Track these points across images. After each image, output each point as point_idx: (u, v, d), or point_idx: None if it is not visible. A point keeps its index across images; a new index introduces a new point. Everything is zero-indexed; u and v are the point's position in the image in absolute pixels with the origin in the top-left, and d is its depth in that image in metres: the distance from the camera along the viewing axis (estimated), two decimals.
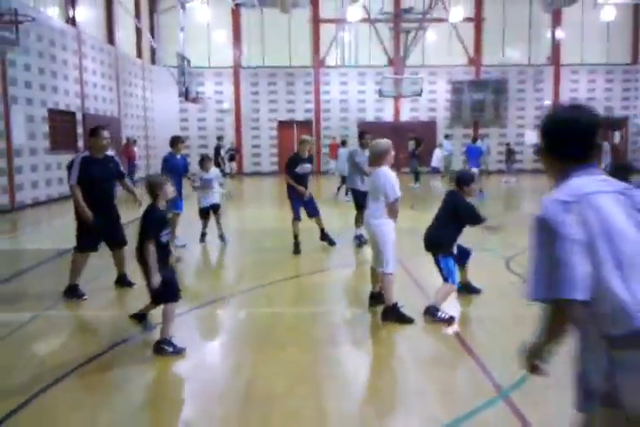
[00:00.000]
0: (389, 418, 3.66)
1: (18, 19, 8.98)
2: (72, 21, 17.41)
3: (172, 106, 25.21)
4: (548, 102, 25.93)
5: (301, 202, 8.49)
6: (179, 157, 8.77)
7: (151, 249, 4.44)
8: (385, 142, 5.40)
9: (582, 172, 2.02)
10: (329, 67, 25.85)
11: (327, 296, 6.47)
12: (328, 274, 7.43)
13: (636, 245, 1.89)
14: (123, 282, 6.48)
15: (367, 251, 8.77)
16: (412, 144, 19.63)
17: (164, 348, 4.53)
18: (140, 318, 5.04)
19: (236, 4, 24.77)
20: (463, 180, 5.68)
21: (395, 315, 5.27)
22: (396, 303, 5.32)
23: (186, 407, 3.82)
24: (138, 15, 23.02)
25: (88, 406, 3.74)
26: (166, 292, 4.57)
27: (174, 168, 8.37)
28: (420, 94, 23.01)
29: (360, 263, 8.05)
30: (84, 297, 6.04)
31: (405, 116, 25.99)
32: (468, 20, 24.57)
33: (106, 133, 6.08)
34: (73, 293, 6.05)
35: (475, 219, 5.53)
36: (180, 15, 20.14)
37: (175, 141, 8.73)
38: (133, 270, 5.71)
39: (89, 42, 18.55)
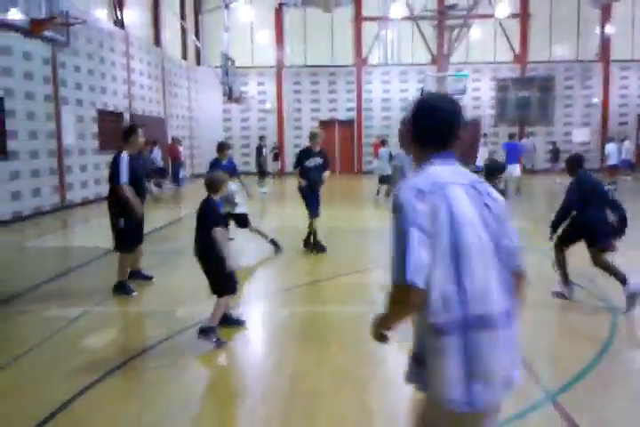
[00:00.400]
0: None
1: (69, 21, 9.19)
2: (120, 23, 17.83)
3: (216, 106, 25.56)
4: (596, 100, 25.23)
5: (313, 198, 8.44)
6: (224, 162, 8.65)
7: (222, 233, 4.57)
8: None
9: (442, 160, 2.09)
10: (371, 65, 25.75)
11: (369, 295, 6.45)
12: (369, 273, 7.40)
13: (477, 238, 1.95)
14: (138, 277, 6.67)
15: None
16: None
17: (210, 334, 4.65)
18: (231, 321, 5.14)
19: (280, 4, 24.95)
20: (489, 170, 5.68)
21: None
22: None
23: (229, 405, 3.87)
24: (183, 16, 23.42)
25: (136, 401, 3.82)
26: (227, 284, 4.69)
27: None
28: (463, 92, 22.68)
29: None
30: (134, 293, 6.18)
31: None
32: (514, 15, 24.10)
33: (141, 131, 6.25)
34: (123, 289, 6.20)
35: None
36: (224, 15, 20.39)
37: (222, 148, 8.65)
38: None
39: (136, 43, 18.97)
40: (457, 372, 1.92)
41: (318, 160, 8.48)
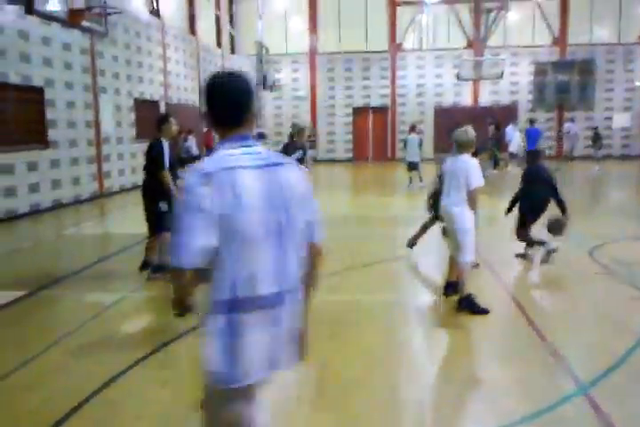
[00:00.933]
0: (463, 408, 3.64)
1: (106, 11, 9.34)
2: (156, 13, 18.00)
3: None
4: (638, 84, 24.43)
5: None
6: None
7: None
8: (471, 132, 5.32)
9: (234, 142, 2.05)
10: (406, 51, 25.44)
11: (401, 284, 6.47)
12: (402, 262, 7.40)
13: (264, 221, 1.99)
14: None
15: (441, 239, 8.67)
16: (492, 129, 19.03)
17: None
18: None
19: None
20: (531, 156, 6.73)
21: (469, 305, 5.21)
22: (471, 294, 5.25)
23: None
24: (218, 5, 23.49)
25: (169, 387, 3.93)
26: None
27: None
28: (501, 77, 22.24)
29: (427, 253, 7.96)
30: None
31: (485, 99, 25.23)
32: None
33: (174, 120, 6.43)
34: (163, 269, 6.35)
35: None
36: (258, 3, 20.38)
37: (301, 131, 8.76)
38: None
39: (172, 32, 19.14)
40: (221, 349, 2.01)
41: (300, 153, 8.47)
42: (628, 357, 4.17)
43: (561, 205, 6.82)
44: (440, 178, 6.13)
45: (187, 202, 1.95)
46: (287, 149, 8.36)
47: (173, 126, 6.43)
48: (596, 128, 21.79)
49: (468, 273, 5.28)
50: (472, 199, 5.12)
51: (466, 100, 25.32)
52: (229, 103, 2.06)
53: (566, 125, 22.35)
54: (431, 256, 7.74)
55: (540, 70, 24.69)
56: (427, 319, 5.31)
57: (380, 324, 5.08)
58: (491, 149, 17.94)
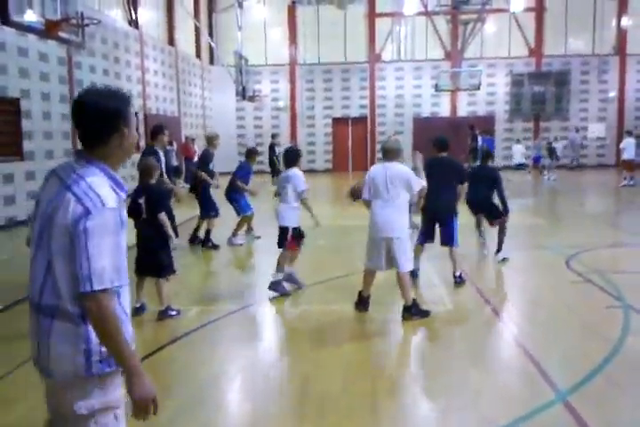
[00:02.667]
0: (445, 418, 3.65)
1: (84, 22, 9.28)
2: (135, 23, 17.96)
3: (230, 104, 25.63)
4: (613, 94, 24.93)
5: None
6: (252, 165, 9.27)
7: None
8: (399, 142, 5.94)
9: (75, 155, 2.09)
10: (384, 62, 25.67)
11: (381, 294, 6.46)
12: (380, 273, 7.40)
13: (38, 220, 2.03)
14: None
15: (428, 247, 8.72)
16: (469, 140, 19.33)
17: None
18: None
19: (293, 2, 24.95)
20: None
21: (417, 312, 5.30)
22: (415, 299, 5.40)
23: (241, 403, 3.92)
24: (197, 15, 23.50)
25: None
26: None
27: (246, 176, 8.98)
28: (478, 88, 22.52)
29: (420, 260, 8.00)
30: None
31: (463, 110, 25.52)
32: (529, 9, 23.91)
33: (167, 131, 7.13)
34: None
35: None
36: (237, 14, 20.44)
37: (252, 153, 9.17)
38: None
39: (150, 43, 19.10)
40: None
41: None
42: (605, 364, 4.22)
43: (504, 203, 7.49)
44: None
45: None
46: (202, 158, 9.16)
47: (165, 137, 6.83)
48: (550, 142, 21.84)
49: (409, 281, 5.43)
50: (419, 201, 5.68)
51: (444, 110, 25.60)
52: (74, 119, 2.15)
53: (570, 135, 22.82)
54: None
55: (517, 81, 25.10)
56: (407, 329, 5.31)
57: (361, 334, 5.08)
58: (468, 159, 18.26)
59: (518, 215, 12.20)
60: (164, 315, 5.36)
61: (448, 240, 6.48)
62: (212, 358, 4.63)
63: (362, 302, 5.59)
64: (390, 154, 5.49)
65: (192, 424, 3.52)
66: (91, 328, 1.94)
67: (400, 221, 5.30)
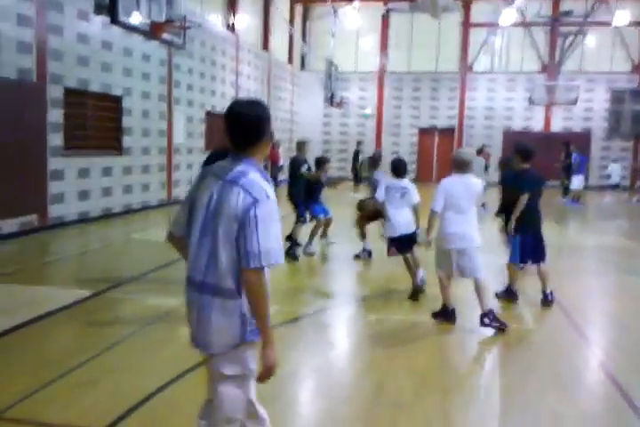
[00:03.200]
0: None
1: (186, 25, 9.69)
2: (232, 28, 18.56)
3: (317, 110, 25.95)
4: None
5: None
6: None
7: None
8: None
9: (230, 158, 2.44)
10: (476, 72, 25.17)
11: (460, 307, 6.30)
12: (462, 284, 7.23)
13: (201, 214, 2.39)
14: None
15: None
16: (562, 156, 18.62)
17: None
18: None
19: (387, 10, 24.98)
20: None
21: (494, 320, 5.25)
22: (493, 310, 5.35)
23: (312, 406, 3.92)
24: (292, 22, 24.00)
25: None
26: None
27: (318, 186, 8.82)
28: (575, 103, 21.66)
29: (497, 275, 7.76)
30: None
31: (557, 125, 24.57)
32: (634, 23, 22.72)
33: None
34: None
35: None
36: (331, 21, 20.68)
37: (322, 164, 8.67)
38: None
39: (246, 47, 19.66)
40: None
41: (306, 167, 8.63)
42: None
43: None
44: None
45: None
46: (293, 164, 8.63)
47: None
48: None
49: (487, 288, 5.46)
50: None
51: (537, 124, 24.74)
52: (229, 129, 2.47)
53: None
54: (492, 279, 7.55)
55: (617, 98, 23.88)
56: (484, 342, 5.15)
57: (436, 345, 4.97)
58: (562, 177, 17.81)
59: (611, 237, 11.59)
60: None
61: (543, 256, 6.23)
62: (284, 359, 4.66)
63: (446, 315, 5.53)
64: (464, 166, 5.43)
65: None
66: (245, 302, 2.34)
67: (475, 232, 5.43)
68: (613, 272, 8.24)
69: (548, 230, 8.27)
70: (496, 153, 24.69)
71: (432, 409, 3.73)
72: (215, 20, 17.61)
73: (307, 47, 24.67)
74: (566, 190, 18.01)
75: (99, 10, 8.15)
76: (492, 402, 3.98)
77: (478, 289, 5.36)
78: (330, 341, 5.25)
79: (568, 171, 17.93)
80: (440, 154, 25.61)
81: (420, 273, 6.56)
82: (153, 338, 4.95)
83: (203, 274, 2.37)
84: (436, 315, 5.58)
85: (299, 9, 25.19)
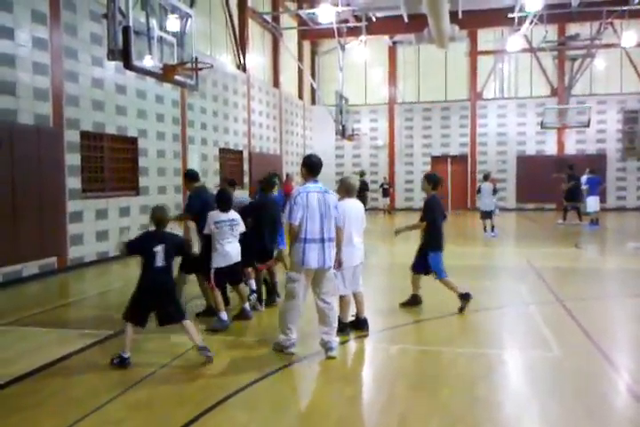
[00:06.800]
0: None
1: (198, 66, 9.90)
2: (243, 67, 18.97)
3: (329, 143, 26.22)
4: None
5: None
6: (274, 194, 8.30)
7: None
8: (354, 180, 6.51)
9: (311, 182, 5.46)
10: (486, 99, 25.34)
11: (483, 337, 6.20)
12: (483, 314, 7.13)
13: (317, 211, 5.28)
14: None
15: (523, 290, 8.32)
16: (565, 179, 18.64)
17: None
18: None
19: (394, 42, 25.41)
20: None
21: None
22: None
23: None
24: (301, 58, 24.49)
25: (254, 423, 3.89)
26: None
27: None
28: (587, 125, 21.62)
29: (517, 304, 7.64)
30: None
31: (571, 148, 24.51)
32: None
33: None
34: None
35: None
36: (339, 56, 21.07)
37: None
38: None
39: (257, 85, 20.05)
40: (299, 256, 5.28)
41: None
42: None
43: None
44: None
45: (295, 201, 5.28)
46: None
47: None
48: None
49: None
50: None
51: (550, 148, 24.71)
52: (312, 166, 5.55)
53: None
54: (511, 308, 7.43)
55: (630, 118, 23.86)
56: (513, 374, 5.03)
57: (461, 377, 4.86)
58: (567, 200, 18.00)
59: (631, 259, 11.40)
60: (203, 351, 5.18)
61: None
62: (308, 392, 4.61)
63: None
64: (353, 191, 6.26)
65: None
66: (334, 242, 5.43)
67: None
68: (636, 296, 8.07)
69: (570, 255, 8.20)
70: (511, 177, 24.71)
71: None
72: (225, 59, 18.03)
73: (316, 82, 25.08)
74: (566, 213, 18.17)
75: (112, 55, 8.37)
76: None
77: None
78: (353, 372, 5.16)
79: (573, 194, 17.94)
80: (454, 181, 25.60)
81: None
82: (176, 375, 4.91)
83: (323, 234, 5.29)
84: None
85: (307, 45, 25.75)
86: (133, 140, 12.56)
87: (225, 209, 6.48)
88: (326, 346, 5.36)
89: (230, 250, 6.43)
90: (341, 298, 6.02)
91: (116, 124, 11.87)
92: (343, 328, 6.02)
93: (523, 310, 7.26)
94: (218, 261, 6.42)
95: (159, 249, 5.17)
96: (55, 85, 10.04)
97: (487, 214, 15.07)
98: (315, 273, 5.33)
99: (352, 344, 5.88)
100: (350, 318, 6.20)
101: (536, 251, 12.57)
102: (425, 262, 7.21)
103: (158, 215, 5.34)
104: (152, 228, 5.40)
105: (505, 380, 4.91)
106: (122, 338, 5.42)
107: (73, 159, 10.52)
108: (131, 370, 5.04)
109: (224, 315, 6.35)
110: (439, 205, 7.21)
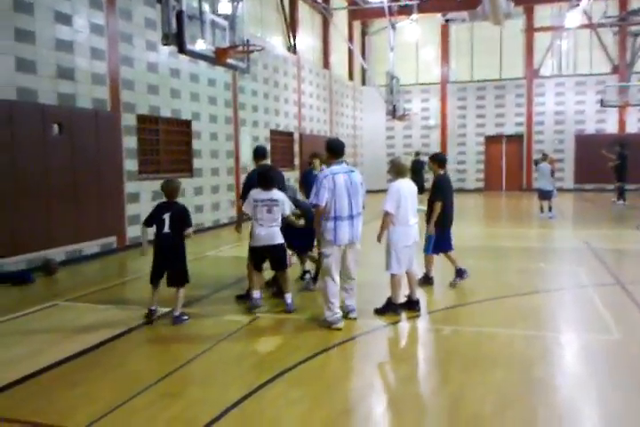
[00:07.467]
0: None
1: (249, 49, 9.94)
2: (293, 49, 18.93)
3: (380, 124, 25.99)
4: None
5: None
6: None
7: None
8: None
9: (336, 163, 5.72)
10: (543, 77, 24.51)
11: (538, 318, 6.09)
12: (535, 296, 6.99)
13: (344, 191, 5.55)
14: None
15: (581, 272, 8.10)
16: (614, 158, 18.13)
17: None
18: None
19: (446, 20, 24.79)
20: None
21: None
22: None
23: (389, 419, 3.86)
24: (351, 39, 24.22)
25: (301, 405, 3.96)
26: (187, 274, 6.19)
27: None
28: None
29: (575, 286, 7.46)
30: None
31: (633, 127, 23.50)
32: None
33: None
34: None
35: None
36: (390, 35, 20.74)
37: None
38: None
39: (307, 67, 19.99)
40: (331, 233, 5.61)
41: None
42: None
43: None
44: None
45: (321, 183, 5.54)
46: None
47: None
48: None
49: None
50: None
51: (611, 127, 23.76)
52: (336, 148, 5.82)
53: None
54: (568, 290, 7.26)
55: None
56: (569, 356, 4.94)
57: (516, 359, 4.80)
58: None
59: None
60: (178, 320, 5.89)
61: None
62: (361, 371, 4.64)
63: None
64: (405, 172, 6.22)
65: None
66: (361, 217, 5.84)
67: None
68: None
69: (631, 236, 7.82)
70: (569, 157, 23.94)
71: (514, 424, 3.61)
72: (276, 42, 18.03)
73: (366, 62, 24.80)
74: (622, 193, 17.88)
75: (166, 40, 8.49)
76: (581, 417, 3.80)
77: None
78: (405, 353, 5.18)
79: (621, 172, 17.71)
80: (509, 162, 25.00)
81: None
82: (230, 352, 5.04)
83: (352, 210, 5.59)
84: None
85: (357, 25, 25.43)
86: (187, 123, 12.78)
87: (266, 187, 6.14)
88: (347, 309, 5.82)
89: (260, 232, 6.15)
90: (392, 277, 6.02)
91: (171, 107, 12.09)
92: (395, 308, 6.03)
93: (581, 293, 7.08)
94: (251, 241, 6.40)
95: (166, 217, 5.86)
96: (112, 70, 10.28)
97: (546, 195, 14.66)
98: (345, 246, 5.71)
99: (404, 325, 5.89)
100: (403, 299, 6.19)
101: (595, 232, 12.20)
102: (443, 241, 7.30)
103: (168, 188, 6.04)
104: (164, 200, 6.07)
105: (562, 363, 4.82)
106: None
107: (130, 142, 10.79)
108: (187, 347, 5.20)
109: (256, 294, 6.34)
110: (448, 184, 7.31)
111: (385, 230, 5.94)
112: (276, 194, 6.15)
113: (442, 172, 7.28)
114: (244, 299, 6.64)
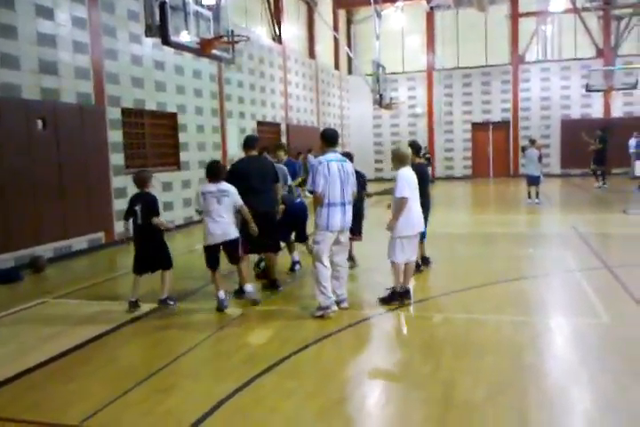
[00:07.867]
0: None
1: (234, 39, 9.85)
2: (278, 39, 18.81)
3: (367, 113, 25.95)
4: None
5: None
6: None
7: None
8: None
9: (331, 151, 5.83)
10: (528, 63, 24.55)
11: (527, 304, 6.15)
12: (528, 281, 7.06)
13: (337, 178, 5.65)
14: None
15: (569, 257, 8.18)
16: (595, 142, 18.41)
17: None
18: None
19: (431, 7, 24.72)
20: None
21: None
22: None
23: (384, 407, 3.89)
24: (336, 28, 24.10)
25: (294, 397, 3.98)
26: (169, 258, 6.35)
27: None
28: (635, 87, 20.76)
29: (563, 270, 7.53)
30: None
31: (618, 111, 23.64)
32: None
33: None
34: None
35: None
36: (375, 24, 20.65)
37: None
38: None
39: (293, 56, 19.88)
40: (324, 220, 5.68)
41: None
42: None
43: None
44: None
45: (317, 170, 5.62)
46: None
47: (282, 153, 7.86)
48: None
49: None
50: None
51: (596, 111, 23.88)
52: (331, 137, 5.92)
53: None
54: (559, 276, 7.33)
55: None
56: (557, 341, 5.00)
57: (506, 345, 4.85)
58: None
59: None
60: (164, 303, 6.10)
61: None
62: (353, 360, 4.67)
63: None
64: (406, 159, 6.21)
65: (335, 424, 3.56)
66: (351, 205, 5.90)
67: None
68: None
69: (617, 220, 7.84)
70: (555, 142, 24.06)
71: (506, 409, 3.65)
72: (261, 32, 17.90)
73: (352, 51, 24.69)
74: (603, 176, 18.25)
75: (149, 32, 8.39)
76: (569, 401, 3.85)
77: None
78: (398, 341, 5.22)
79: (601, 156, 18.09)
80: (496, 148, 25.10)
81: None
82: (223, 345, 5.06)
83: (344, 198, 5.66)
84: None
85: (342, 14, 25.30)
86: (173, 116, 12.69)
87: (213, 179, 6.03)
88: (338, 298, 5.87)
89: (214, 230, 6.02)
90: (392, 264, 6.06)
91: (156, 100, 11.99)
92: (400, 297, 6.06)
93: (570, 277, 7.16)
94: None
95: (138, 208, 6.00)
96: (95, 63, 10.17)
97: (534, 180, 14.72)
98: (337, 233, 5.79)
99: (396, 313, 5.92)
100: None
101: (582, 217, 12.30)
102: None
103: (137, 178, 6.18)
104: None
105: (552, 347, 4.88)
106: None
107: (115, 136, 10.71)
108: (179, 340, 5.21)
109: (221, 294, 6.13)
110: (424, 172, 7.23)
111: (399, 218, 5.86)
112: (225, 185, 6.05)
113: (418, 160, 7.27)
114: (240, 294, 6.60)
